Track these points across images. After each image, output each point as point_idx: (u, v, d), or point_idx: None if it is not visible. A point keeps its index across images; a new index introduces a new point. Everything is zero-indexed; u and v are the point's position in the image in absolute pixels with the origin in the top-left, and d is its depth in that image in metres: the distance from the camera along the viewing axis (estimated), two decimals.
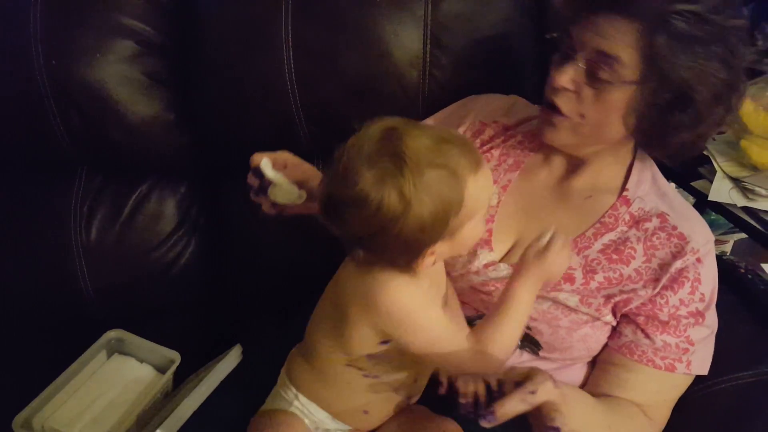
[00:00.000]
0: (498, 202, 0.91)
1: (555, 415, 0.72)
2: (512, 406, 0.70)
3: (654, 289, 0.83)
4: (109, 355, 1.11)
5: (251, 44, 1.09)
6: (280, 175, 0.83)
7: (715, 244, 0.91)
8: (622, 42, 0.76)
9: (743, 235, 1.12)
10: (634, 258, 0.84)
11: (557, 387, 0.72)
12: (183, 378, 1.08)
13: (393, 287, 0.71)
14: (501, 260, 0.89)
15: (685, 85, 0.76)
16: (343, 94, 1.09)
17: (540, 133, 0.88)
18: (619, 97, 0.79)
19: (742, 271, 1.04)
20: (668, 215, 0.86)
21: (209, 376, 0.99)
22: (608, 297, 0.84)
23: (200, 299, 1.28)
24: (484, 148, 0.96)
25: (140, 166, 1.23)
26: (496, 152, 0.95)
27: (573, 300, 0.84)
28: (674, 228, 0.86)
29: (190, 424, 0.93)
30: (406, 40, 1.05)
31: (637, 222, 0.87)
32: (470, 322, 0.83)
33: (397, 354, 0.76)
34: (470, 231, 0.71)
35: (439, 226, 0.66)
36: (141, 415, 1.00)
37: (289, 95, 1.09)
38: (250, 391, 0.90)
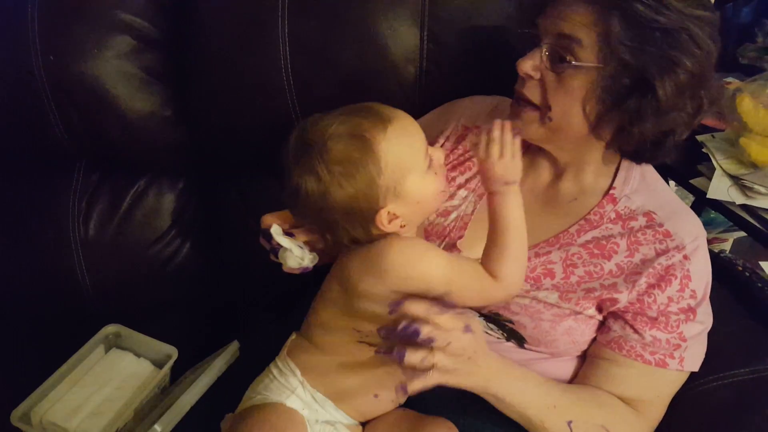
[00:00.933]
0: (472, 211, 0.92)
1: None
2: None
3: (634, 285, 0.82)
4: (107, 349, 1.12)
5: (248, 40, 1.09)
6: (289, 240, 0.81)
7: (715, 243, 0.91)
8: (580, 23, 0.76)
9: (743, 234, 1.12)
10: (616, 252, 0.84)
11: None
12: (180, 373, 1.08)
13: (387, 245, 0.73)
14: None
15: (644, 70, 0.76)
16: (339, 91, 1.09)
17: (514, 126, 0.86)
18: (581, 82, 0.79)
19: (740, 268, 1.03)
20: (655, 214, 0.86)
21: (206, 371, 1.00)
22: (588, 291, 0.83)
23: (198, 294, 1.29)
24: (467, 154, 0.96)
25: (138, 162, 1.23)
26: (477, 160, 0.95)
27: (553, 297, 0.84)
28: (660, 225, 0.85)
29: (187, 419, 0.93)
30: (402, 36, 1.05)
31: (623, 220, 0.86)
32: None
33: None
34: (418, 186, 0.74)
35: (368, 191, 0.71)
36: (138, 410, 1.01)
37: (286, 92, 1.09)
38: (248, 387, 0.90)
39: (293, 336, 0.85)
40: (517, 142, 0.76)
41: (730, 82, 1.30)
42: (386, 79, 1.08)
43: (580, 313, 0.84)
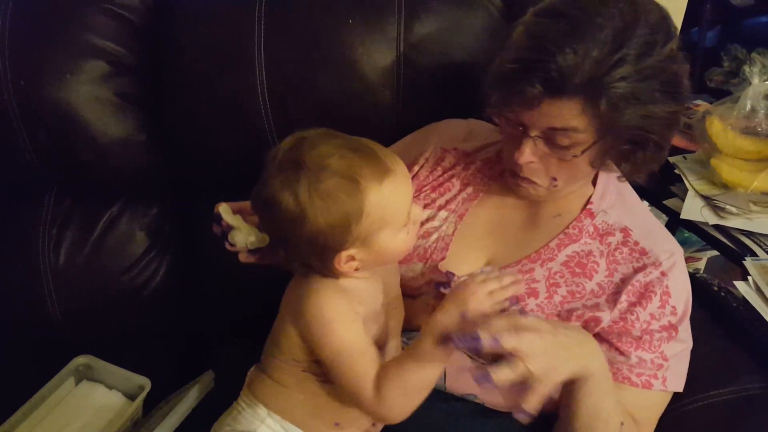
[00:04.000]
0: (453, 231, 0.91)
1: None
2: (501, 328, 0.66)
3: (616, 303, 0.83)
4: (78, 381, 1.09)
5: (224, 64, 1.09)
6: (238, 218, 0.84)
7: (689, 261, 0.92)
8: (569, 115, 0.75)
9: (716, 252, 1.13)
10: (596, 272, 0.85)
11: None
12: (153, 405, 1.05)
13: (316, 291, 0.74)
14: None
15: (640, 130, 0.77)
16: (316, 114, 1.09)
17: (516, 191, 0.88)
18: (583, 156, 0.79)
19: (716, 288, 1.04)
20: (631, 231, 0.87)
21: (180, 403, 0.98)
22: (570, 311, 0.83)
23: (171, 323, 1.26)
24: (445, 175, 0.96)
25: (111, 188, 1.21)
26: (456, 181, 0.96)
27: (537, 317, 0.83)
28: (636, 243, 0.86)
29: None
30: (378, 61, 1.06)
31: (600, 235, 0.88)
32: None
33: None
34: (388, 241, 0.73)
35: (339, 233, 0.70)
36: None
37: (263, 115, 1.09)
38: None
39: (253, 368, 0.86)
40: None
41: (698, 105, 1.34)
42: (362, 102, 1.08)
43: None
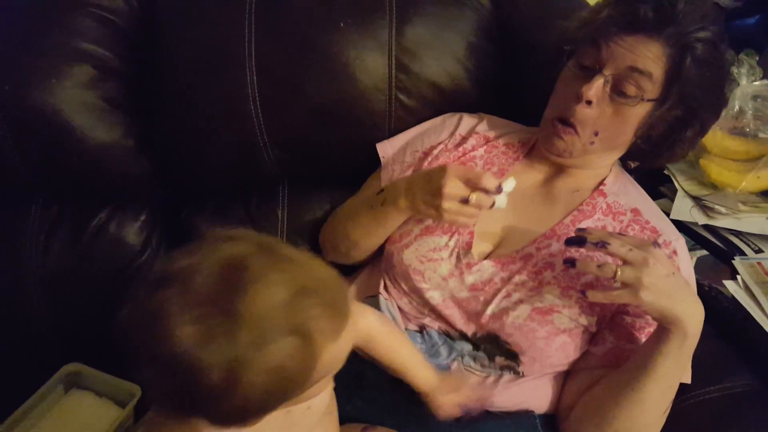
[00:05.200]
0: None
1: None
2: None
3: None
4: (67, 389, 1.07)
5: (214, 68, 1.07)
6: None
7: None
8: (652, 58, 0.81)
9: (705, 252, 1.14)
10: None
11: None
12: (144, 412, 1.03)
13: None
14: (485, 259, 0.91)
15: (697, 104, 0.83)
16: (308, 119, 1.08)
17: (546, 145, 0.91)
18: (638, 113, 0.84)
19: (706, 288, 1.05)
20: (641, 210, 0.91)
21: None
22: (587, 285, 0.85)
23: None
24: (467, 156, 0.99)
25: (99, 194, 1.19)
26: (480, 161, 0.98)
27: (553, 294, 0.85)
28: (647, 222, 0.90)
29: None
30: (370, 65, 1.05)
31: (613, 213, 0.91)
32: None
33: None
34: (311, 391, 0.58)
35: (272, 403, 0.52)
36: None
37: (254, 120, 1.08)
38: None
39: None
40: None
41: None
42: (355, 107, 1.08)
43: (576, 327, 0.85)
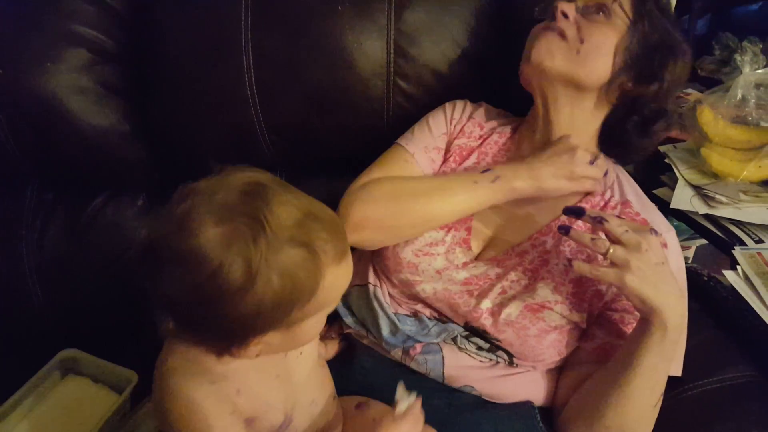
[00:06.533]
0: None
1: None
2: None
3: None
4: (63, 375, 1.07)
5: (210, 53, 1.06)
6: None
7: None
8: None
9: (704, 241, 1.13)
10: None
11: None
12: (141, 398, 1.04)
13: (179, 389, 0.59)
14: (477, 258, 0.91)
15: (667, 38, 0.87)
16: (306, 105, 1.07)
17: (528, 55, 0.90)
18: (614, 32, 0.85)
19: (705, 278, 1.05)
20: (632, 203, 0.91)
21: None
22: (577, 282, 0.85)
23: (158, 316, 1.24)
24: (465, 149, 0.98)
25: (95, 179, 1.19)
26: (474, 155, 0.97)
27: (547, 289, 0.84)
28: (637, 214, 0.90)
29: None
30: (369, 50, 1.04)
31: (606, 207, 0.91)
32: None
33: None
34: (310, 326, 0.62)
35: (279, 313, 0.56)
36: None
37: (250, 105, 1.07)
38: None
39: None
40: None
41: (689, 94, 1.33)
42: (353, 92, 1.07)
43: (566, 323, 0.85)
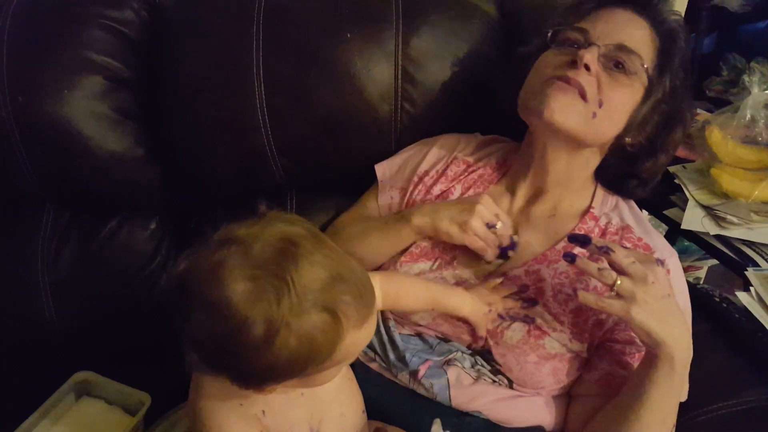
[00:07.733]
0: None
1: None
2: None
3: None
4: (78, 397, 1.08)
5: (222, 79, 1.08)
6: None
7: (690, 270, 0.92)
8: (641, 41, 0.82)
9: (716, 261, 1.13)
10: None
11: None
12: (154, 420, 1.04)
13: (211, 406, 0.64)
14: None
15: (680, 104, 0.86)
16: (316, 129, 1.08)
17: (540, 108, 0.83)
18: (634, 91, 0.83)
19: (717, 299, 1.04)
20: (633, 228, 0.90)
21: (181, 418, 0.97)
22: (579, 310, 0.84)
23: (172, 338, 1.25)
24: (450, 184, 0.98)
25: (109, 203, 1.20)
26: (458, 187, 0.98)
27: (548, 317, 0.84)
28: (639, 239, 0.88)
29: None
30: (377, 75, 1.06)
31: (604, 235, 0.89)
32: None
33: None
34: (326, 375, 0.64)
35: (294, 370, 0.58)
36: None
37: (262, 130, 1.08)
38: None
39: None
40: None
41: (698, 114, 1.33)
42: (362, 117, 1.08)
43: (566, 352, 0.84)
